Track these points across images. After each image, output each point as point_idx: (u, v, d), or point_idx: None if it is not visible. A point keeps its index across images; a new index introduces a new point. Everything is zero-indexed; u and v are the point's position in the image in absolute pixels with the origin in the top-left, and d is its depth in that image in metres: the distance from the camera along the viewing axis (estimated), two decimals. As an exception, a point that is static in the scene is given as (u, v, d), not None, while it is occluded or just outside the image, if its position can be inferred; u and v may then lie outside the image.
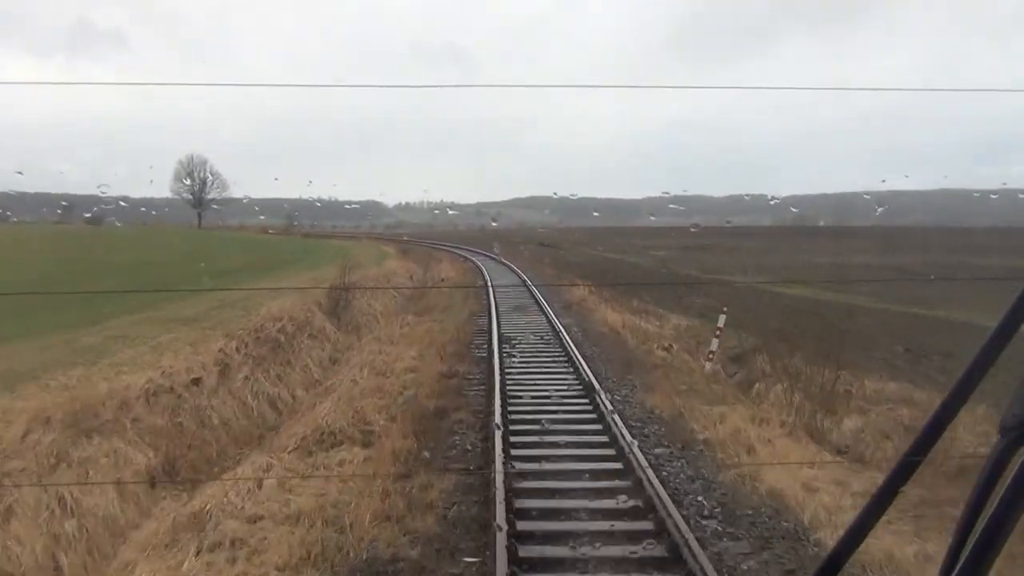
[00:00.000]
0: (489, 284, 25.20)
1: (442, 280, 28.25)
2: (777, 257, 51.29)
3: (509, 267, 34.05)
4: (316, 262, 33.78)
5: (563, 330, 15.36)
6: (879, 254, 48.49)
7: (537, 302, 20.74)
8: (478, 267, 34.24)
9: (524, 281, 26.57)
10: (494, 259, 40.80)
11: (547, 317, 17.80)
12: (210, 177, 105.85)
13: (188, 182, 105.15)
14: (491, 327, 15.96)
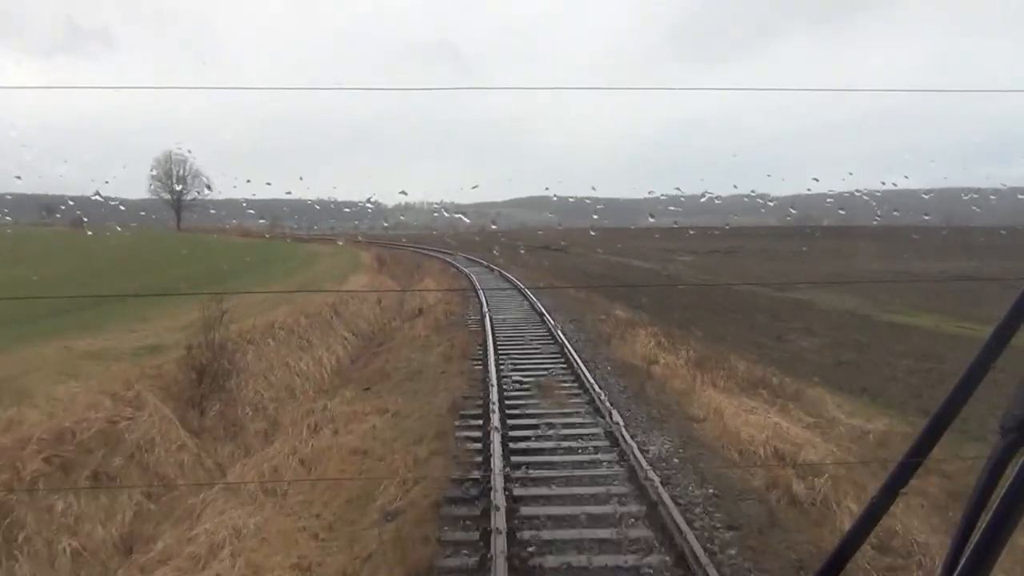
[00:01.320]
0: (488, 319, 16.49)
1: (419, 312, 19.45)
2: (823, 263, 42.84)
3: (515, 286, 25.19)
4: (257, 280, 25.14)
5: (663, 494, 6.29)
6: (941, 258, 40.48)
7: (571, 364, 11.86)
8: (474, 286, 25.39)
9: (540, 313, 17.69)
10: (495, 272, 31.97)
11: (602, 415, 8.99)
12: (189, 176, 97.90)
13: (168, 180, 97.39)
14: (491, 447, 7.30)
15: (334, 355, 14.93)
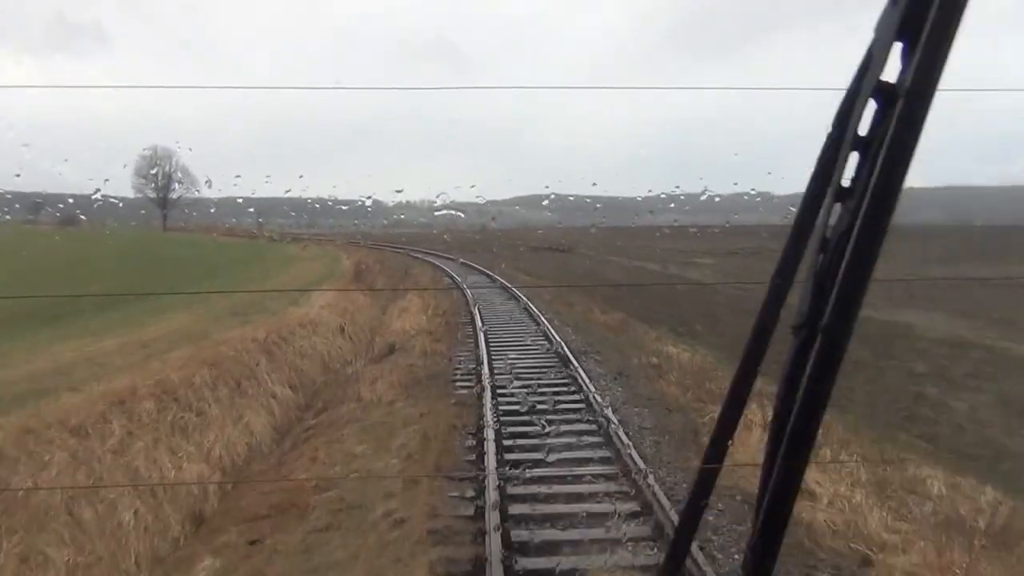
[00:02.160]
0: (487, 367, 10.88)
1: (390, 350, 13.77)
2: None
3: (527, 308, 19.47)
4: (203, 289, 19.51)
5: None
6: (992, 261, 35.25)
7: (661, 515, 5.88)
8: (469, 306, 19.72)
9: (566, 359, 11.92)
10: (497, 283, 26.26)
11: None
12: (178, 173, 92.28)
13: (153, 177, 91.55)
14: None
15: (243, 437, 9.23)
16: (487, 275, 28.12)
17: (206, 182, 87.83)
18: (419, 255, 40.69)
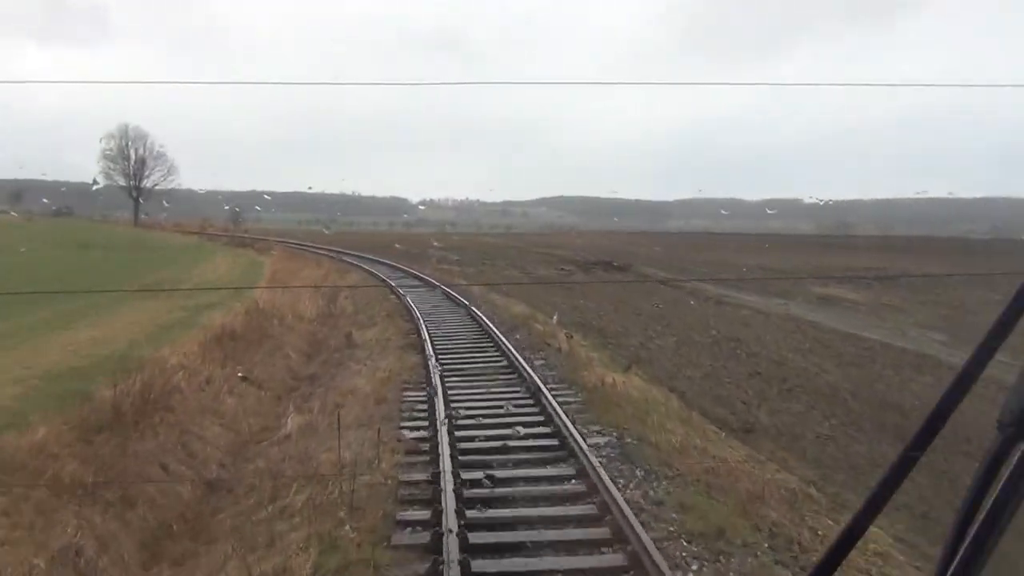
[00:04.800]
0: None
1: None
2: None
3: None
4: None
5: None
6: None
7: None
8: None
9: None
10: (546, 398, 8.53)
11: None
12: (150, 158, 74.71)
13: (122, 162, 74.43)
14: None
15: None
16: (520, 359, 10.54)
17: (147, 167, 70.85)
18: (403, 280, 23.02)
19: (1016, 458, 0.75)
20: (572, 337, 14.13)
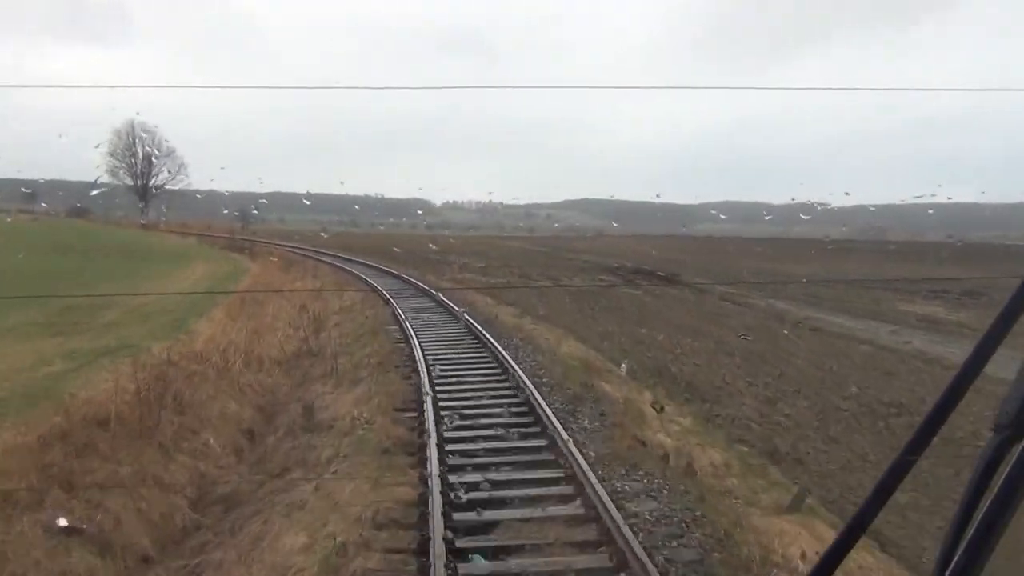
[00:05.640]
0: None
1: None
2: None
3: None
4: None
5: None
6: None
7: None
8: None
9: None
10: None
11: None
12: (161, 157, 70.05)
13: (129, 159, 70.12)
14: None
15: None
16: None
17: (155, 166, 66.06)
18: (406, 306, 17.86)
19: (1014, 459, 0.75)
20: (663, 410, 8.82)
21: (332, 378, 10.74)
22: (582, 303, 20.78)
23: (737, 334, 17.81)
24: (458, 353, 11.99)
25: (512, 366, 10.21)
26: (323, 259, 31.66)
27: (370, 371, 10.83)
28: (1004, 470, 0.75)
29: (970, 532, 0.76)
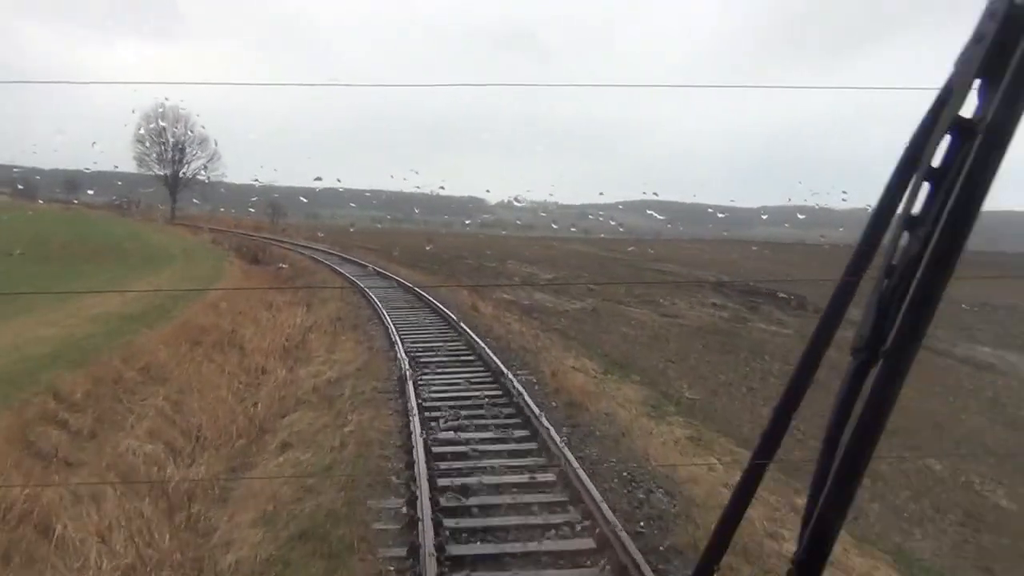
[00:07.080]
0: None
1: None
2: None
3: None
4: None
5: None
6: None
7: None
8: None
9: None
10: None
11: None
12: (191, 144, 63.54)
13: (159, 147, 64.05)
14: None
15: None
16: None
17: (186, 154, 59.99)
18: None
19: (872, 379, 0.77)
20: None
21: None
22: (726, 355, 13.10)
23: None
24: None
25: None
26: (342, 267, 24.23)
27: None
28: (866, 391, 0.77)
29: (840, 454, 0.77)
